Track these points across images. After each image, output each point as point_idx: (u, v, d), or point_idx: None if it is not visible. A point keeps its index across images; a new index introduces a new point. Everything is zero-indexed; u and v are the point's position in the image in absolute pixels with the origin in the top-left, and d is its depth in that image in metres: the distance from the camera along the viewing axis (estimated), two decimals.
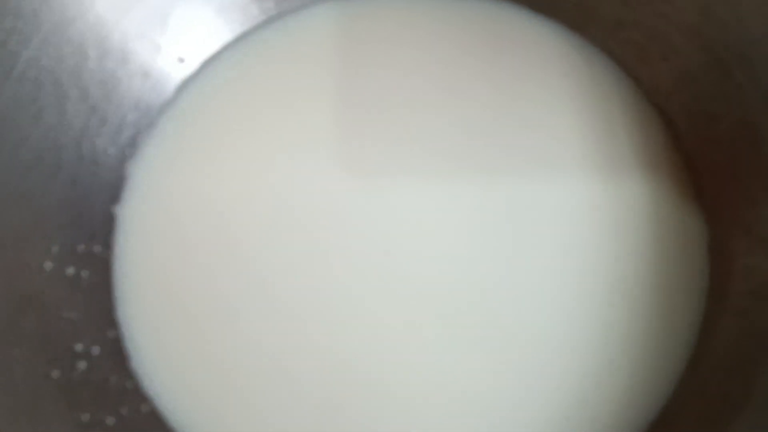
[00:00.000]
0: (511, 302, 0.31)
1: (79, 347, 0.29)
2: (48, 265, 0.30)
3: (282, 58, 0.35)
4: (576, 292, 0.31)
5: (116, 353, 0.30)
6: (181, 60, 0.36)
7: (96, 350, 0.30)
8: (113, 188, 0.33)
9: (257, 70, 0.35)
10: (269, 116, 0.34)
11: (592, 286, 0.31)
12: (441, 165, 0.33)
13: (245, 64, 0.35)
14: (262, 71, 0.35)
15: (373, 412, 0.30)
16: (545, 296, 0.31)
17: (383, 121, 0.33)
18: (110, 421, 0.28)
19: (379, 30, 0.35)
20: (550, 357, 0.30)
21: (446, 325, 0.31)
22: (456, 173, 0.33)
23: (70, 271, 0.31)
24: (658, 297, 0.31)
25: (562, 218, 0.32)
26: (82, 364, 0.29)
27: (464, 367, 0.30)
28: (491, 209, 0.32)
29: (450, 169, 0.33)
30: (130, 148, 0.34)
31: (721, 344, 0.30)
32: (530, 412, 0.30)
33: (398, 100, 0.34)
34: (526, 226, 0.32)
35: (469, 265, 0.31)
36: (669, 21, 0.33)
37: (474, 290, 0.31)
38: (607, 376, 0.30)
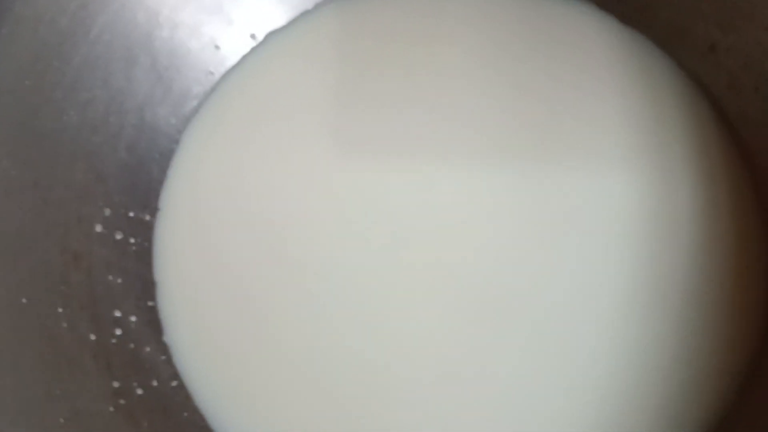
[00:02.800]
0: (543, 299, 0.31)
1: (117, 313, 0.30)
2: (99, 227, 0.31)
3: (340, 42, 0.36)
4: (616, 292, 0.31)
5: (153, 324, 0.31)
6: (253, 36, 0.36)
7: (133, 319, 0.31)
8: (170, 159, 0.34)
9: (313, 50, 0.36)
10: (312, 96, 0.35)
11: (636, 285, 0.31)
12: (471, 158, 0.33)
13: (305, 43, 0.36)
14: (317, 51, 0.36)
15: (392, 405, 0.31)
16: (579, 293, 0.31)
17: (411, 114, 0.34)
18: (139, 391, 0.29)
19: (406, 23, 0.36)
20: (585, 361, 0.30)
21: (473, 321, 0.31)
22: (488, 166, 0.33)
23: (119, 236, 0.32)
24: (707, 305, 0.31)
25: (602, 202, 0.32)
26: (118, 331, 0.30)
27: (491, 367, 0.30)
28: (527, 201, 0.32)
29: (482, 163, 0.33)
30: (190, 119, 0.35)
31: None
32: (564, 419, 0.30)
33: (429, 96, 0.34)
34: (561, 218, 0.32)
35: (502, 259, 0.31)
36: (764, 51, 0.31)
37: (505, 286, 0.31)
38: (650, 384, 0.30)
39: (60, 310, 0.28)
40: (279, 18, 0.37)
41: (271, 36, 0.37)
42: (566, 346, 0.30)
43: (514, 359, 0.30)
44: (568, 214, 0.32)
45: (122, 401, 0.28)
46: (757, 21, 0.32)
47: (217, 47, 0.36)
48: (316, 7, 0.37)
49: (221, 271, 0.32)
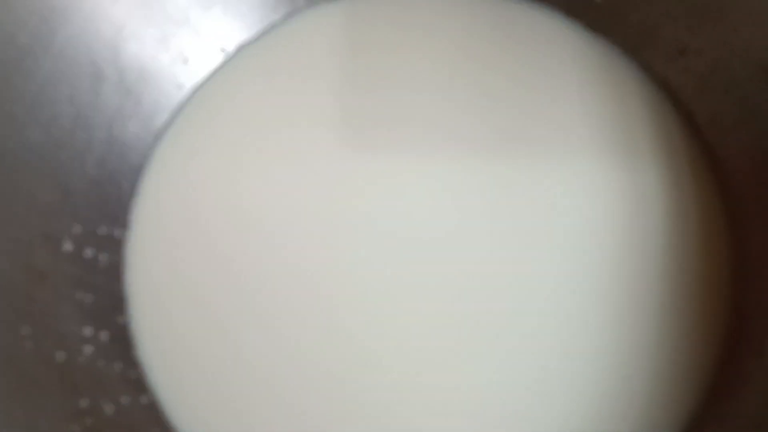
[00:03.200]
0: (506, 299, 0.31)
1: (87, 331, 0.30)
2: (68, 244, 0.31)
3: (311, 53, 0.36)
4: (583, 296, 0.31)
5: (124, 340, 0.31)
6: (223, 49, 0.36)
7: (104, 335, 0.31)
8: (140, 174, 0.34)
9: (286, 60, 0.36)
10: (287, 108, 0.35)
11: (601, 289, 0.31)
12: (453, 152, 0.33)
13: (276, 55, 0.36)
14: (291, 62, 0.36)
15: (376, 408, 0.31)
16: (545, 297, 0.31)
17: (396, 109, 0.34)
18: (108, 409, 0.29)
19: (378, 33, 0.36)
20: (559, 359, 0.30)
21: (453, 316, 0.31)
22: (466, 160, 0.33)
23: (89, 252, 0.32)
24: (674, 310, 0.31)
25: (571, 204, 0.32)
26: (88, 349, 0.30)
27: (462, 367, 0.31)
28: (495, 206, 0.32)
29: (460, 156, 0.33)
30: (160, 133, 0.35)
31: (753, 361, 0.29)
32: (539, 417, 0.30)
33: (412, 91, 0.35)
34: (529, 224, 0.32)
35: (476, 254, 0.32)
36: (734, 52, 0.31)
37: (477, 281, 0.31)
38: (617, 387, 0.30)
39: (24, 330, 0.28)
40: (248, 30, 0.37)
41: (241, 49, 0.37)
42: (529, 347, 0.30)
43: (477, 359, 0.31)
44: (535, 219, 0.32)
45: (89, 420, 0.28)
46: (726, 22, 0.32)
47: (185, 60, 0.36)
48: (286, 19, 0.37)
49: (192, 286, 0.32)
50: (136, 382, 0.31)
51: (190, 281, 0.32)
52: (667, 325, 0.31)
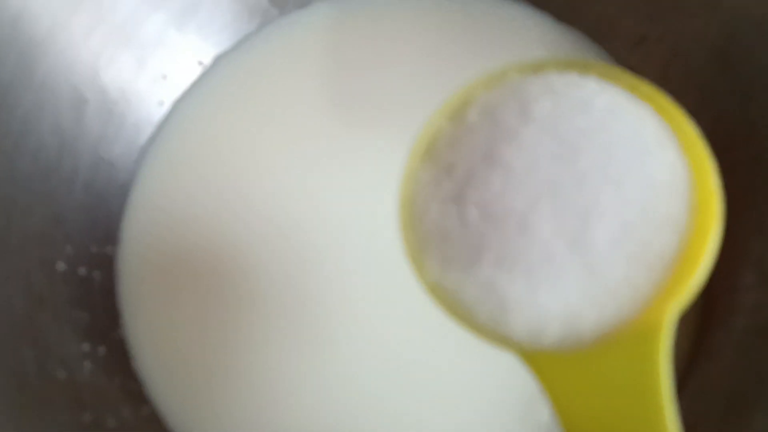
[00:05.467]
0: None
1: (86, 347, 0.32)
2: (61, 265, 0.33)
3: (287, 58, 0.38)
4: None
5: (121, 354, 0.33)
6: (200, 63, 0.38)
7: (102, 350, 0.33)
8: (128, 191, 0.36)
9: (263, 66, 0.38)
10: (266, 113, 0.36)
11: None
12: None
13: (254, 64, 0.38)
14: (268, 68, 0.38)
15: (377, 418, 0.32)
16: None
17: (376, 109, 0.35)
18: (111, 422, 0.31)
19: (354, 39, 0.37)
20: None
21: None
22: None
23: (82, 271, 0.34)
24: None
25: None
26: (87, 364, 0.32)
27: None
28: None
29: None
30: (145, 150, 0.37)
31: (718, 377, 0.30)
32: None
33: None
34: None
35: None
36: (691, 39, 0.33)
37: None
38: None
39: (27, 353, 0.30)
40: (224, 44, 0.38)
41: (219, 60, 0.38)
42: None
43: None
44: None
45: None
46: (684, 9, 0.33)
47: (164, 77, 0.37)
48: (260, 28, 0.39)
49: (185, 296, 0.34)
50: (136, 393, 0.33)
51: (182, 292, 0.34)
52: None
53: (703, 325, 0.32)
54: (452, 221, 0.20)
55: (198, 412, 0.33)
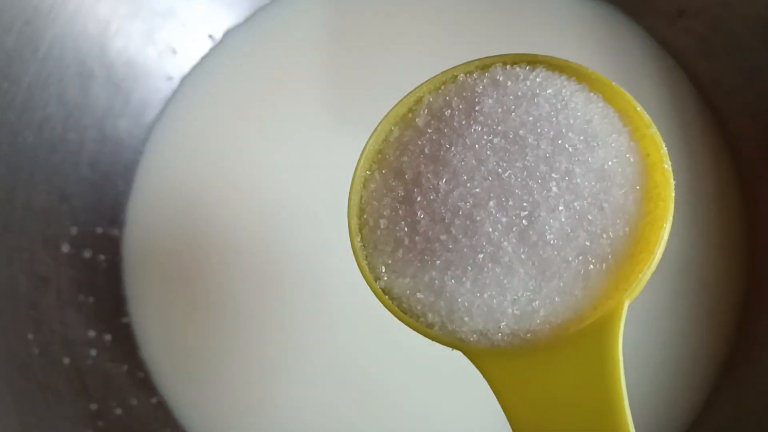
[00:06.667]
0: None
1: (91, 333, 0.31)
2: (66, 246, 0.31)
3: (300, 33, 0.36)
4: None
5: (128, 341, 0.32)
6: (211, 36, 0.36)
7: (108, 337, 0.31)
8: (135, 170, 0.34)
9: (274, 42, 0.36)
10: (275, 90, 0.35)
11: None
12: None
13: (264, 40, 0.37)
14: (279, 45, 0.36)
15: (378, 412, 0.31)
16: None
17: (381, 88, 0.33)
18: (118, 411, 0.29)
19: (364, 15, 0.36)
20: None
21: None
22: None
23: (88, 254, 0.32)
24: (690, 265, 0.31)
25: None
26: (93, 352, 0.30)
27: None
28: None
29: None
30: (152, 127, 0.35)
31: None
32: None
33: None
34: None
35: None
36: (734, 11, 0.31)
37: None
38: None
39: (30, 336, 0.28)
40: (235, 16, 0.37)
41: (229, 35, 0.37)
42: None
43: None
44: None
45: (101, 423, 0.29)
46: None
47: (174, 51, 0.36)
48: (272, 2, 0.37)
49: (191, 281, 0.33)
50: (143, 382, 0.31)
51: (190, 275, 0.33)
52: (683, 290, 0.31)
53: (749, 313, 0.31)
54: (401, 226, 0.20)
55: (205, 402, 0.31)
